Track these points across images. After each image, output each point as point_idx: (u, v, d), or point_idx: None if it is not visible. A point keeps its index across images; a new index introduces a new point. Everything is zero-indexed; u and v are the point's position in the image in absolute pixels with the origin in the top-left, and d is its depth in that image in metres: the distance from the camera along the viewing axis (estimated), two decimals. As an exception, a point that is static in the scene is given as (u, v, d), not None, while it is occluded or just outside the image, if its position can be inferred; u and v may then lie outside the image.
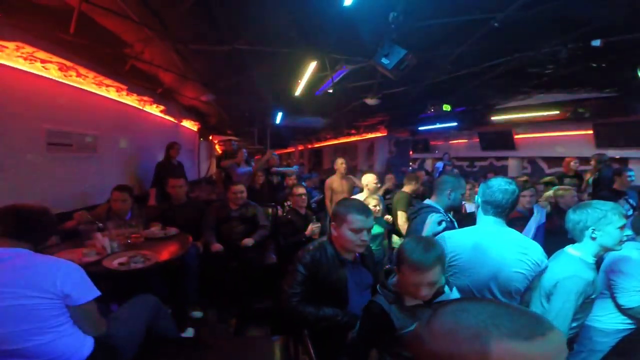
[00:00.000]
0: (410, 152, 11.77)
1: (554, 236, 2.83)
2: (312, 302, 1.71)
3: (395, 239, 3.96)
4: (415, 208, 2.46)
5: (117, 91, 4.36)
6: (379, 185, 4.11)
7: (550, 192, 3.84)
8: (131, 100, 4.88)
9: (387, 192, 4.99)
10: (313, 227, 3.34)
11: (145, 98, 5.14)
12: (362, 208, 1.71)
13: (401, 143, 11.30)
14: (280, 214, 4.24)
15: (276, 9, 3.04)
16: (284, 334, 2.01)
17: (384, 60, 3.19)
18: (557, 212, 3.39)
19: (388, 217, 3.83)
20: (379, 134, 11.05)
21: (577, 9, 2.91)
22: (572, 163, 5.29)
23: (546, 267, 1.59)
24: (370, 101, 5.88)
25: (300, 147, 18.41)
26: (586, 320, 1.83)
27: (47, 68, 3.14)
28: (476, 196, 1.79)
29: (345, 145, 13.58)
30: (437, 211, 2.16)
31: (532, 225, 3.11)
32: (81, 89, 3.72)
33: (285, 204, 4.35)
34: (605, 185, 4.46)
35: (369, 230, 1.70)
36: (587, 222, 1.69)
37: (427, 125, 9.32)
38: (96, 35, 3.17)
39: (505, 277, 1.53)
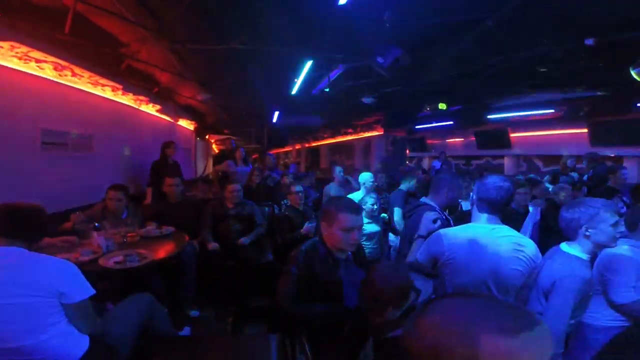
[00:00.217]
0: (407, 151, 11.79)
1: (550, 234, 2.85)
2: (306, 301, 1.70)
3: (392, 237, 3.97)
4: (412, 206, 2.46)
5: (113, 90, 4.34)
6: (376, 184, 4.13)
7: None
8: (127, 99, 4.86)
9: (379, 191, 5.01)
10: (309, 226, 3.35)
11: (141, 97, 5.12)
12: (353, 206, 1.69)
13: (398, 142, 11.31)
14: (277, 212, 4.25)
15: (272, 8, 3.04)
16: (281, 332, 2.02)
17: (379, 59, 3.20)
18: (553, 210, 3.41)
19: (384, 215, 3.85)
20: (375, 133, 11.06)
21: (572, 9, 2.93)
22: (568, 161, 5.33)
23: (541, 264, 1.59)
24: (367, 100, 5.89)
25: (298, 146, 18.39)
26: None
27: (42, 68, 3.12)
28: (471, 194, 1.80)
29: (342, 144, 13.58)
30: (433, 209, 2.17)
31: (528, 223, 3.13)
32: (76, 88, 3.71)
33: (282, 202, 4.36)
34: (600, 183, 4.49)
35: (359, 228, 1.69)
36: (579, 221, 1.69)
37: (424, 124, 9.34)
38: (92, 35, 3.16)
39: (502, 274, 1.54)
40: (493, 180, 1.66)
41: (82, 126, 3.81)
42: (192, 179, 8.23)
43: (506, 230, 1.63)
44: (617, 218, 1.68)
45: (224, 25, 3.40)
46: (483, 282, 1.57)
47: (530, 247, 1.57)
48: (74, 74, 3.51)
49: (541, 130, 7.46)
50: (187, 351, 1.96)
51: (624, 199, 3.86)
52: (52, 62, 3.14)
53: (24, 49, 2.78)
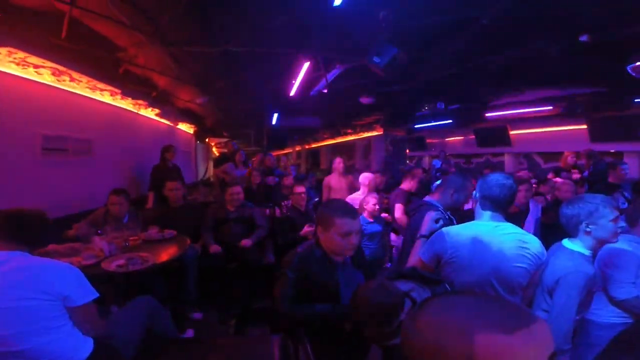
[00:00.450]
0: (407, 150, 11.80)
1: (551, 230, 2.84)
2: (304, 303, 1.68)
3: (394, 237, 3.97)
4: (415, 205, 2.46)
5: (112, 95, 4.35)
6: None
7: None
8: (126, 103, 4.87)
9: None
10: (308, 229, 3.36)
11: (140, 101, 5.13)
12: (349, 210, 1.65)
13: (398, 141, 11.32)
14: (278, 214, 4.26)
15: (269, 10, 3.05)
16: (283, 333, 2.02)
17: (376, 59, 3.21)
18: (555, 206, 3.41)
19: (386, 215, 3.85)
20: (375, 133, 11.07)
21: (567, 6, 2.93)
22: (569, 157, 5.32)
23: (547, 261, 1.59)
24: (365, 100, 5.90)
25: (298, 148, 18.40)
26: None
27: (41, 73, 3.13)
28: (474, 192, 1.79)
29: (342, 145, 13.59)
30: (436, 209, 2.17)
31: (531, 220, 3.13)
32: (75, 93, 3.72)
33: (283, 203, 4.37)
34: (600, 179, 4.49)
35: (357, 232, 1.65)
36: (580, 217, 1.70)
37: (423, 123, 9.34)
38: (89, 40, 3.17)
39: (506, 272, 1.53)
40: (496, 177, 1.66)
41: (81, 131, 3.82)
42: (193, 183, 8.25)
43: (510, 228, 1.62)
44: (617, 213, 1.68)
45: (219, 27, 3.41)
46: (487, 281, 1.56)
47: (535, 244, 1.56)
48: (72, 79, 3.52)
49: (540, 127, 7.46)
50: (189, 353, 1.96)
51: (625, 194, 3.86)
52: (50, 67, 3.15)
53: (21, 54, 2.79)
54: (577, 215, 1.71)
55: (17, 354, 1.40)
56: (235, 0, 3.02)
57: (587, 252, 1.70)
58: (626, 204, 3.63)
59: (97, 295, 1.58)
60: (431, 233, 1.82)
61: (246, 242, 3.41)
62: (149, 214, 3.55)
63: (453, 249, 1.61)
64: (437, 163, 8.90)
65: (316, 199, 5.51)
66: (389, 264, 4.17)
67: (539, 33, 3.53)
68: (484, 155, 9.49)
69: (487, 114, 7.53)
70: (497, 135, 8.38)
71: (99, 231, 2.71)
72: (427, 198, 2.33)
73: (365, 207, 3.35)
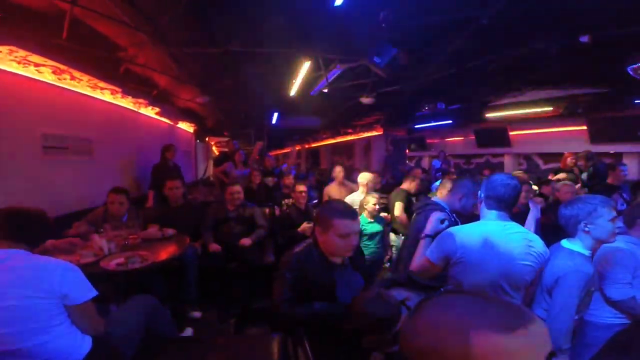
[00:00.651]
0: (407, 151, 11.80)
1: (550, 231, 2.85)
2: (302, 302, 1.67)
3: (393, 237, 3.97)
4: (421, 203, 2.46)
5: (112, 94, 4.35)
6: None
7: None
8: (126, 102, 4.87)
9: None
10: (306, 227, 3.38)
11: (140, 100, 5.13)
12: (348, 211, 1.62)
13: (398, 141, 11.31)
14: (278, 213, 4.26)
15: (268, 9, 3.06)
16: (282, 332, 2.02)
17: (376, 59, 3.21)
18: (554, 207, 3.41)
19: (386, 214, 3.85)
20: (375, 133, 11.06)
21: (567, 6, 2.94)
22: (569, 159, 5.32)
23: (548, 259, 1.61)
24: (365, 100, 5.90)
25: (298, 147, 18.39)
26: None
27: (41, 71, 3.13)
28: (479, 192, 1.80)
29: (342, 145, 13.58)
30: (442, 209, 2.17)
31: (531, 220, 3.14)
32: (76, 92, 3.72)
33: (284, 202, 4.37)
34: (600, 180, 4.49)
35: (356, 233, 1.62)
36: (578, 217, 1.72)
37: (423, 123, 9.34)
38: (89, 40, 3.17)
39: (515, 270, 1.55)
40: (500, 177, 1.70)
41: (82, 130, 3.82)
42: (193, 182, 8.25)
43: (517, 227, 1.65)
44: (614, 214, 1.69)
45: (219, 27, 3.42)
46: (496, 279, 1.57)
47: (538, 242, 1.60)
48: (72, 78, 3.52)
49: (540, 128, 7.46)
50: (189, 352, 1.96)
51: (624, 195, 3.86)
52: (51, 66, 3.15)
53: (22, 53, 2.79)
54: (576, 215, 1.73)
55: (16, 352, 1.41)
56: (235, 1, 3.02)
57: (586, 252, 1.71)
58: (625, 205, 3.64)
59: (96, 293, 1.58)
60: (436, 234, 1.83)
61: (245, 241, 3.42)
62: (149, 213, 3.56)
63: (463, 249, 1.63)
64: (437, 163, 8.91)
65: (315, 201, 5.52)
66: (389, 263, 4.17)
67: (539, 33, 3.53)
68: (484, 155, 9.49)
69: (487, 115, 7.52)
70: (497, 135, 8.38)
71: (99, 230, 2.72)
72: (434, 198, 2.33)
73: (365, 207, 3.36)
